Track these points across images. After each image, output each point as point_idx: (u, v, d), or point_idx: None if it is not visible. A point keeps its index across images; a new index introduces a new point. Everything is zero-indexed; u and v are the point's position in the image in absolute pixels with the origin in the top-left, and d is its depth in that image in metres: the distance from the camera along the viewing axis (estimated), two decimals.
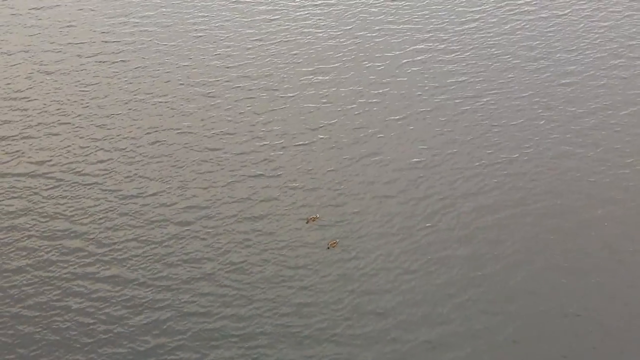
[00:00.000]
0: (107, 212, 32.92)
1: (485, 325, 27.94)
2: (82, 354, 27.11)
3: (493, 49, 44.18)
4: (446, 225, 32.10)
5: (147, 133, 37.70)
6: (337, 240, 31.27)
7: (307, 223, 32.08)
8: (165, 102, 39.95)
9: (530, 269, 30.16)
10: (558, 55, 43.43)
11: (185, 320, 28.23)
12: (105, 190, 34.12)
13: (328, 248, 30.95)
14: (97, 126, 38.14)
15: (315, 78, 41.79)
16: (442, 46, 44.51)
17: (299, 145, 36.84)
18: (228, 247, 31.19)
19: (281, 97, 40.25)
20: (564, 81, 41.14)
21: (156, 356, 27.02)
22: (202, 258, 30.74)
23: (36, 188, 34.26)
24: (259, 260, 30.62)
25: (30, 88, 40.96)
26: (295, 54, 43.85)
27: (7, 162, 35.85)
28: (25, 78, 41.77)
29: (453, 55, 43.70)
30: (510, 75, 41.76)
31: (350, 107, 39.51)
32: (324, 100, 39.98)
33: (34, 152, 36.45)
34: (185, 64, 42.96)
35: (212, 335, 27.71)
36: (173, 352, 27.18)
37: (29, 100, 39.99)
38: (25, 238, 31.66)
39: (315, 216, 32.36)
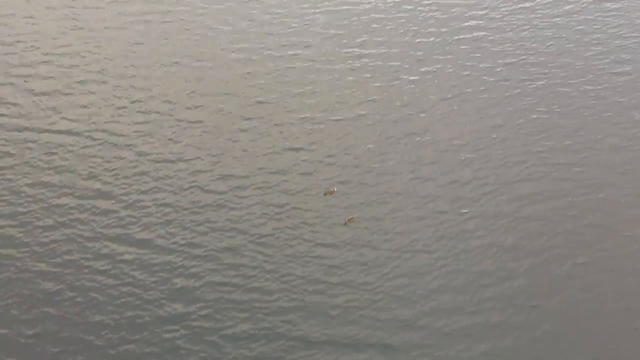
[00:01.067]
0: (140, 175, 32.52)
1: (523, 318, 26.98)
2: (105, 315, 26.88)
3: (547, 32, 42.50)
4: (487, 212, 31.04)
5: (185, 98, 37.11)
6: (355, 215, 30.37)
7: (324, 195, 31.32)
8: (205, 67, 39.26)
9: (572, 263, 29.04)
10: (615, 42, 41.60)
11: (211, 289, 27.76)
12: (140, 152, 33.70)
13: (345, 224, 30.08)
14: (135, 88, 37.69)
15: (360, 51, 40.68)
16: (495, 25, 42.97)
17: (339, 119, 35.91)
18: (259, 219, 30.55)
19: (323, 69, 39.26)
20: (617, 70, 39.41)
21: (179, 323, 26.66)
22: (232, 228, 30.17)
23: (71, 146, 33.98)
24: (290, 234, 29.96)
25: (72, 46, 40.59)
26: (340, 26, 42.72)
27: (44, 118, 35.59)
28: (67, 36, 41.41)
29: (505, 35, 42.17)
30: (563, 60, 40.14)
31: (394, 83, 38.37)
32: (368, 75, 38.90)
33: (72, 110, 36.14)
34: (228, 29, 42.17)
35: (238, 307, 27.22)
36: (197, 320, 26.77)
37: (70, 58, 39.65)
38: (57, 196, 31.44)
39: (332, 190, 31.52)
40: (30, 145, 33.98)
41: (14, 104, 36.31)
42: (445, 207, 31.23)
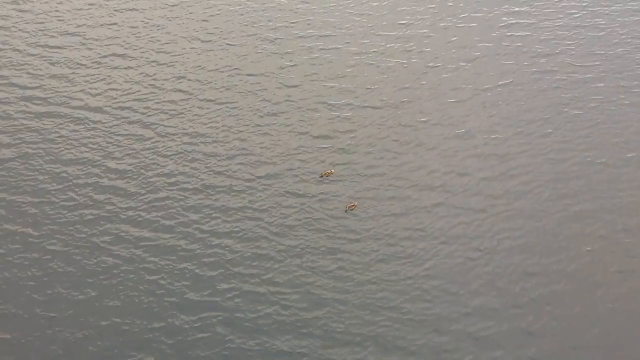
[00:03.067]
0: (162, 157, 31.50)
1: (561, 325, 25.56)
2: (119, 301, 26.11)
3: (599, 20, 40.09)
4: (525, 211, 29.32)
5: (213, 78, 35.85)
6: (356, 203, 29.24)
7: (321, 177, 30.36)
8: (235, 47, 37.88)
9: (615, 269, 27.31)
10: None
11: (230, 279, 26.72)
12: (164, 133, 32.64)
13: (346, 211, 29.04)
14: (162, 65, 36.58)
15: (395, 37, 38.81)
16: (537, 14, 40.58)
17: (371, 107, 34.28)
18: (284, 210, 29.30)
19: (357, 54, 37.59)
20: None
21: (196, 313, 25.71)
22: (253, 216, 28.99)
23: (94, 123, 33.05)
24: (314, 227, 28.65)
25: (98, 19, 39.70)
26: (376, 9, 40.83)
27: (67, 93, 34.73)
28: (94, 8, 40.51)
29: (554, 22, 39.84)
30: (612, 52, 37.68)
31: (429, 72, 36.46)
32: (403, 62, 37.04)
33: (96, 85, 35.15)
34: (260, 9, 40.63)
35: (256, 299, 26.16)
36: (213, 309, 25.81)
37: (96, 31, 38.76)
38: (77, 174, 30.56)
39: (329, 170, 30.47)
40: (51, 120, 33.14)
41: (37, 77, 35.49)
42: (481, 205, 29.58)
